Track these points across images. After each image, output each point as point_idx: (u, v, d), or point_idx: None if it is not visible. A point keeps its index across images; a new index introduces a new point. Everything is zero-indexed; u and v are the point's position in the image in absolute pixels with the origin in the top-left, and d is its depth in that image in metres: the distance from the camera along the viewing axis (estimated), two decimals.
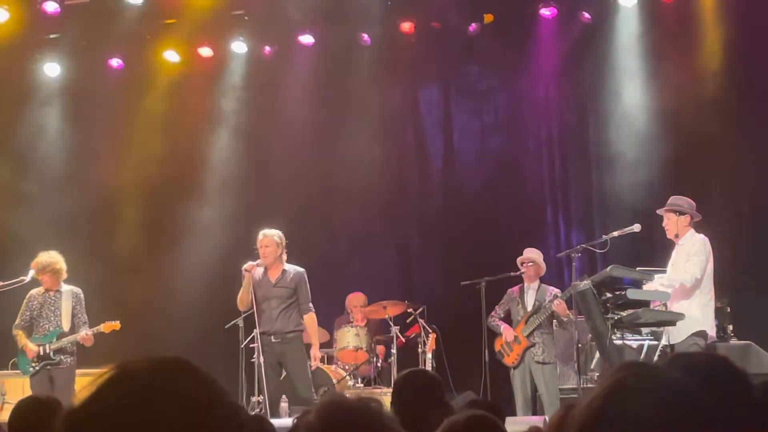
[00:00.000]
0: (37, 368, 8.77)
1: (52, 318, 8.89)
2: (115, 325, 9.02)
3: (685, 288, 7.74)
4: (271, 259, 8.82)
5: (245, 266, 8.79)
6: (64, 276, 9.00)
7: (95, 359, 8.87)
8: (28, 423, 3.65)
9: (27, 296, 8.99)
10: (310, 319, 8.96)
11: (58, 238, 10.77)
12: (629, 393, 1.44)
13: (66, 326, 8.90)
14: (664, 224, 8.01)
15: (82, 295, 9.09)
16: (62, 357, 8.83)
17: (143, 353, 1.44)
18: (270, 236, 8.84)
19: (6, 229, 11.16)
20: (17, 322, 8.95)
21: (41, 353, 8.76)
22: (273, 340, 8.72)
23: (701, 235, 7.91)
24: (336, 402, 2.03)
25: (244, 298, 8.80)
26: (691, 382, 1.46)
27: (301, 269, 8.98)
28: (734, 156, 10.44)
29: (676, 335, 7.72)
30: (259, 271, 8.89)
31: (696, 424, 1.41)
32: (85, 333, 8.85)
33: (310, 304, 8.97)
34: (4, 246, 10.64)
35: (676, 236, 7.96)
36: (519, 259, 9.30)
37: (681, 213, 7.94)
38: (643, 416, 1.40)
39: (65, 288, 9.02)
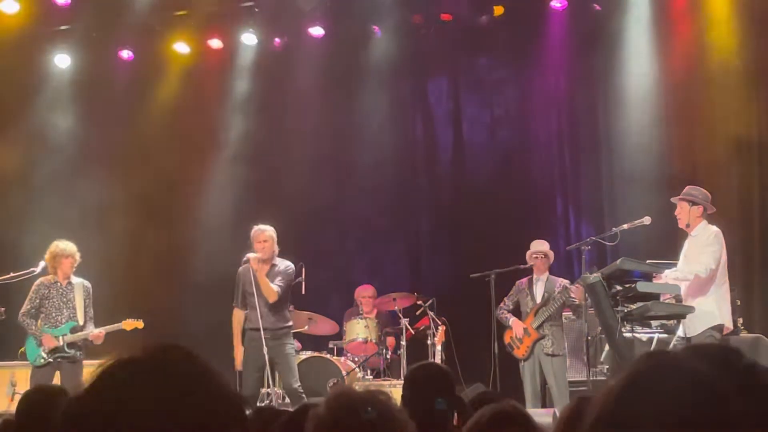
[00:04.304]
0: (49, 359, 8.62)
1: (64, 310, 8.73)
2: (138, 323, 8.85)
3: (699, 281, 7.70)
4: (268, 254, 8.75)
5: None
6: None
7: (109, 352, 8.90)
8: (36, 412, 3.65)
9: (36, 284, 8.80)
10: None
11: (67, 229, 10.82)
12: (649, 385, 1.41)
13: (81, 320, 8.76)
14: (676, 212, 7.99)
15: (91, 290, 8.97)
16: (74, 351, 8.70)
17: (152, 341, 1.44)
18: (268, 232, 8.75)
19: (15, 219, 11.20)
20: (25, 309, 8.72)
21: (55, 342, 8.63)
22: (264, 336, 8.60)
23: (714, 227, 7.89)
24: (344, 394, 2.04)
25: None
26: (717, 377, 1.43)
27: (290, 263, 8.87)
28: (746, 147, 10.39)
29: (692, 329, 7.69)
30: (248, 268, 8.77)
31: (719, 422, 1.38)
32: (98, 331, 8.74)
33: (275, 287, 8.67)
34: (14, 236, 10.67)
35: (688, 226, 7.95)
36: (530, 253, 9.27)
37: (694, 203, 7.91)
38: (662, 411, 1.38)
39: (76, 280, 8.88)
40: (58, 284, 8.81)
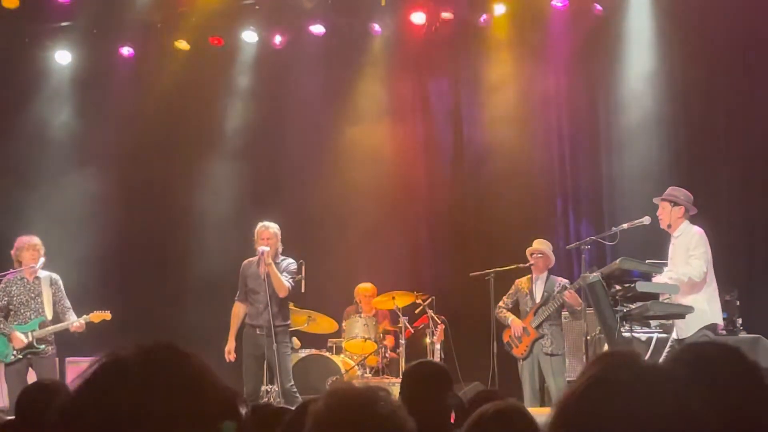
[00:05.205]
0: (20, 356, 8.50)
1: (32, 305, 8.61)
2: (106, 314, 8.79)
3: (692, 282, 7.72)
4: (272, 251, 8.70)
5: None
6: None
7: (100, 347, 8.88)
8: (35, 408, 3.66)
9: (3, 281, 8.67)
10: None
11: (65, 225, 10.83)
12: (607, 387, 1.41)
13: (49, 314, 8.64)
14: (658, 213, 8.03)
15: (60, 282, 8.82)
16: (44, 346, 8.59)
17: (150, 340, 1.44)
18: (273, 229, 8.72)
19: (13, 215, 11.18)
20: None
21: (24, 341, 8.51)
22: (258, 333, 8.60)
23: (697, 227, 7.90)
24: (343, 389, 2.04)
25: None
26: (679, 380, 1.42)
27: (292, 260, 8.87)
28: (746, 147, 10.39)
29: (685, 330, 7.71)
30: (252, 262, 8.79)
31: (679, 426, 1.38)
32: (79, 322, 8.65)
33: (287, 282, 8.70)
34: (10, 232, 10.64)
35: (669, 227, 7.98)
36: (528, 250, 9.29)
37: (676, 204, 7.94)
38: (619, 415, 1.38)
39: (43, 274, 8.74)
40: (25, 280, 8.69)
